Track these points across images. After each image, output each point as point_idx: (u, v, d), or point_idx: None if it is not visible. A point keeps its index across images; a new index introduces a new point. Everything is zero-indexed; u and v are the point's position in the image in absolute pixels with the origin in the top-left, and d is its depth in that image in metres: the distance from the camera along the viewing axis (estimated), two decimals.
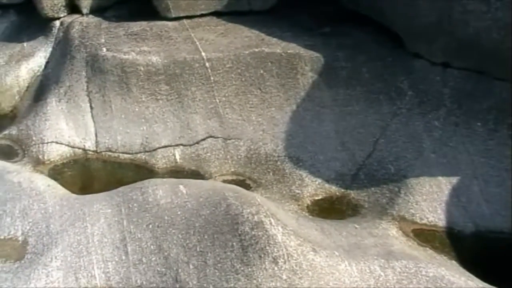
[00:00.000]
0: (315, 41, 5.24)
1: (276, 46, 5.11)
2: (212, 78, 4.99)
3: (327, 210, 4.43)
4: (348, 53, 5.12)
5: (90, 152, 5.07)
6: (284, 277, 3.43)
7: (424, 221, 4.18)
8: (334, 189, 4.56)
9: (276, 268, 3.46)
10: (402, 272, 3.55)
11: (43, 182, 4.53)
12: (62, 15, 6.24)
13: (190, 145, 4.91)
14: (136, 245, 3.81)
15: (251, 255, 3.51)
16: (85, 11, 6.21)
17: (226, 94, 5.01)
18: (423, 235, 4.09)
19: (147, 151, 4.95)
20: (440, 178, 4.38)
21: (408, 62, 4.95)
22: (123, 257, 3.79)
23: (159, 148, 4.94)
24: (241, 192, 3.99)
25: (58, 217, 4.12)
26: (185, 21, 5.78)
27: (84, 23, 5.98)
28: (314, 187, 4.58)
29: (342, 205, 4.47)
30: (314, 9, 5.88)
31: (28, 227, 4.10)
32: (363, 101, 4.91)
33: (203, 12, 5.84)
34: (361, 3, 5.44)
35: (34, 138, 5.15)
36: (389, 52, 5.10)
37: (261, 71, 4.98)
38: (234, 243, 3.59)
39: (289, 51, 5.06)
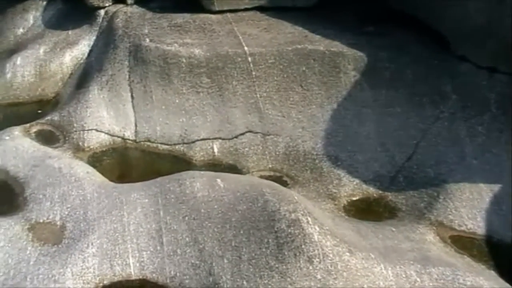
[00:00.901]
0: (358, 40, 5.17)
1: (319, 43, 5.06)
2: (253, 73, 4.98)
3: (364, 211, 4.37)
4: (392, 53, 5.05)
5: (129, 141, 5.10)
6: (319, 276, 3.40)
7: (463, 228, 4.09)
8: (371, 190, 4.50)
9: (311, 267, 3.43)
10: (439, 279, 3.48)
11: (82, 169, 4.59)
12: (107, 5, 6.33)
13: (229, 139, 4.90)
14: (172, 236, 3.83)
15: (286, 253, 3.49)
16: (129, 1, 6.27)
17: (267, 90, 4.98)
18: (461, 242, 3.99)
19: (186, 143, 4.96)
20: (481, 185, 4.28)
21: (453, 65, 4.85)
22: (158, 248, 3.81)
23: (198, 140, 4.95)
24: (278, 189, 3.97)
25: (96, 204, 4.16)
26: (228, 14, 5.79)
27: (128, 13, 6.03)
28: (351, 187, 4.52)
29: (379, 207, 4.41)
30: (358, 7, 5.81)
31: (66, 213, 4.15)
32: (405, 102, 4.83)
33: (247, 7, 5.84)
34: (408, 2, 5.35)
35: (75, 125, 5.20)
36: (434, 54, 5.00)
37: (303, 68, 4.95)
38: (270, 240, 3.57)
39: (332, 49, 5.02)
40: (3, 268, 3.75)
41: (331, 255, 3.47)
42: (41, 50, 6.24)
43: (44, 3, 6.96)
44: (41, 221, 4.13)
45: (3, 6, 7.16)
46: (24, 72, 6.02)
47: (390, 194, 4.46)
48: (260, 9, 5.85)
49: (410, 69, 4.94)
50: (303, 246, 3.49)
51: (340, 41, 5.14)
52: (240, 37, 5.24)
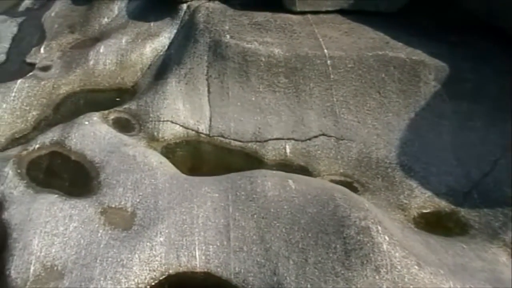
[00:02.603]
0: (441, 50, 5.04)
1: (401, 50, 4.97)
2: (332, 76, 4.94)
3: (434, 224, 4.25)
4: (475, 64, 4.90)
5: (203, 135, 5.15)
6: (384, 287, 3.35)
7: None
8: (443, 204, 4.37)
9: (377, 277, 3.38)
10: None
11: (156, 159, 4.68)
12: None
13: (302, 141, 4.88)
14: (239, 233, 3.86)
15: (353, 260, 3.46)
16: None
17: (344, 94, 4.93)
18: None
19: (258, 141, 4.97)
20: None
21: None
22: (225, 243, 3.84)
23: (271, 139, 4.95)
24: (349, 195, 3.94)
25: (167, 195, 4.23)
26: (309, 16, 5.76)
27: (210, 9, 6.09)
28: (423, 199, 4.41)
29: (450, 222, 4.27)
30: (442, 15, 5.67)
31: (137, 200, 4.25)
32: (486, 116, 4.67)
33: (329, 9, 5.81)
34: (493, 13, 5.18)
35: (151, 115, 5.30)
36: None
37: (383, 75, 4.87)
38: (338, 245, 3.55)
39: (413, 58, 4.91)
40: (75, 248, 3.88)
41: (399, 267, 3.42)
42: (124, 40, 6.40)
43: None
44: (113, 206, 4.24)
45: None
46: (106, 60, 6.18)
47: (463, 210, 4.31)
48: (342, 12, 5.80)
49: (493, 82, 4.78)
50: (371, 255, 3.45)
51: (422, 49, 5.03)
52: (320, 39, 5.21)
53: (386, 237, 3.54)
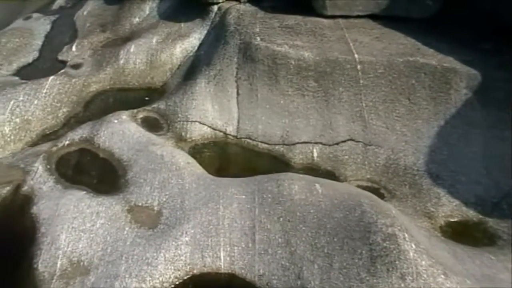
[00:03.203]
0: (473, 57, 4.98)
1: (432, 57, 4.92)
2: (361, 81, 4.91)
3: (461, 234, 4.19)
4: (508, 73, 4.82)
5: (230, 137, 5.17)
6: None
7: None
8: (471, 214, 4.32)
9: (402, 285, 3.35)
10: None
11: (183, 159, 4.70)
12: (220, 1, 6.46)
13: (329, 145, 4.86)
14: (265, 235, 3.86)
15: (379, 267, 3.43)
16: None
17: (373, 100, 4.90)
18: None
19: (286, 144, 4.96)
20: None
21: None
22: (250, 245, 3.85)
23: (298, 143, 4.94)
24: (376, 201, 3.91)
25: (194, 195, 4.25)
26: (340, 20, 5.74)
27: (241, 11, 6.11)
28: (450, 208, 4.36)
29: (478, 232, 4.22)
30: (475, 23, 5.59)
31: (164, 199, 4.27)
32: None
33: (360, 14, 5.78)
34: None
35: (179, 115, 5.33)
36: None
37: (413, 81, 4.83)
38: (363, 251, 3.53)
39: (444, 64, 4.86)
40: (102, 244, 3.92)
41: (425, 275, 3.38)
42: (154, 40, 6.45)
43: None
44: (139, 204, 4.27)
45: None
46: (136, 60, 6.24)
47: (491, 220, 4.25)
48: (373, 17, 5.77)
49: None
50: (397, 262, 3.42)
51: (453, 56, 4.97)
52: (351, 44, 5.19)
53: (413, 245, 3.51)
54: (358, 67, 4.94)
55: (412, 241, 3.53)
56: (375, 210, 3.72)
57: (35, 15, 7.84)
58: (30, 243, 4.00)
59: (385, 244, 3.49)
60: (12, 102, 5.46)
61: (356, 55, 5.00)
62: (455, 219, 4.31)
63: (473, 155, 4.59)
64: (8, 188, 4.55)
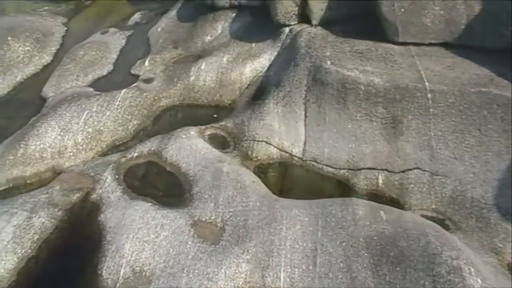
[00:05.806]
0: None
1: (506, 89, 4.79)
2: (431, 110, 4.85)
3: None
4: None
5: (296, 158, 5.19)
6: None
7: None
8: None
9: None
10: None
11: (248, 177, 4.76)
12: (292, 23, 6.52)
13: (395, 173, 4.82)
14: (326, 259, 3.85)
15: None
16: (314, 22, 6.41)
17: (443, 129, 4.82)
18: None
19: (351, 169, 4.95)
20: None
21: None
22: (311, 267, 3.85)
23: (364, 168, 4.92)
24: (441, 232, 3.85)
25: (257, 214, 4.29)
26: (411, 47, 5.69)
27: (312, 34, 6.15)
28: None
29: None
30: None
31: (228, 216, 4.33)
32: None
33: (432, 41, 5.71)
34: None
35: (246, 134, 5.41)
36: None
37: (485, 112, 4.72)
38: (427, 283, 3.47)
39: None
40: (164, 256, 4.00)
41: None
42: (225, 59, 6.58)
43: (234, 14, 7.35)
44: (203, 219, 4.35)
45: (196, 14, 7.66)
46: (206, 77, 6.37)
47: None
48: (446, 45, 5.68)
49: None
50: None
51: None
52: (422, 72, 5.13)
53: (479, 280, 3.43)
54: (429, 95, 4.88)
55: (478, 276, 3.45)
56: (440, 241, 3.66)
57: (111, 29, 8.15)
58: (95, 249, 4.14)
59: (449, 277, 3.43)
60: (86, 112, 5.68)
61: (427, 83, 4.94)
62: None
63: None
64: (78, 194, 4.73)
